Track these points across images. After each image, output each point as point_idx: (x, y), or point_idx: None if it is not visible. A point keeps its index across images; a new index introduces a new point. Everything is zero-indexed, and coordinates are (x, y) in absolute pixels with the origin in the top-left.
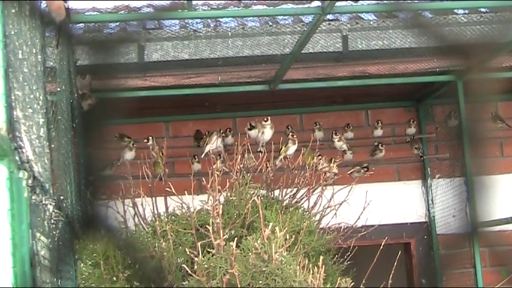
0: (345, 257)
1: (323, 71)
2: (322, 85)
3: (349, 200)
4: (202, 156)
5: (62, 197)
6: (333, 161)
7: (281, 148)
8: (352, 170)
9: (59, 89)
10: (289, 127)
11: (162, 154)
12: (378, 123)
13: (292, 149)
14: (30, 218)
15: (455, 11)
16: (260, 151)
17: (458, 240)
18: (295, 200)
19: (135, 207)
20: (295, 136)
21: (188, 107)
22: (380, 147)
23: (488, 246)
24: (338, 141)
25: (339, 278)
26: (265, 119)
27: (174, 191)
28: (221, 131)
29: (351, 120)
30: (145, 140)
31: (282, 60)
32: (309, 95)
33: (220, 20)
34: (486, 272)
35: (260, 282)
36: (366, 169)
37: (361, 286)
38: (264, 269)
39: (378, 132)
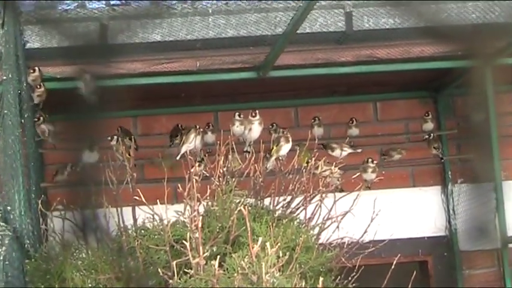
0: (350, 278)
1: (322, 55)
2: (321, 72)
3: (354, 210)
4: (178, 158)
5: (8, 208)
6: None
7: (272, 148)
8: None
9: (4, 78)
10: (273, 124)
11: (129, 155)
12: (352, 122)
13: (285, 148)
14: None
15: None
16: (247, 151)
17: (485, 258)
18: (289, 210)
19: (96, 219)
20: (288, 133)
21: (161, 98)
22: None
23: None
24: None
25: None
26: (253, 113)
27: (143, 199)
28: (199, 128)
29: (356, 114)
30: (109, 139)
31: (273, 42)
32: (306, 84)
33: None
34: None
35: None
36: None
37: None
38: None
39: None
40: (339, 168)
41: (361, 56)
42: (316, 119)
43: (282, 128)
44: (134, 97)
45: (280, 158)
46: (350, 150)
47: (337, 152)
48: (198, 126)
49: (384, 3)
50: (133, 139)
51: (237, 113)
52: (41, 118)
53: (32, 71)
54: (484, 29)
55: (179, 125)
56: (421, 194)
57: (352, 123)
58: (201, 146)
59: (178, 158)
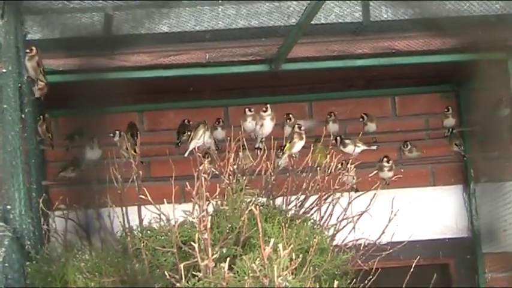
0: (366, 281)
1: (338, 47)
2: (337, 65)
3: (371, 209)
4: (186, 155)
5: (8, 207)
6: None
7: (285, 144)
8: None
9: (4, 70)
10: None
11: (135, 152)
12: (363, 118)
13: (298, 145)
14: None
15: None
16: (259, 148)
17: (509, 260)
18: (302, 210)
19: (100, 219)
20: (302, 129)
21: (168, 93)
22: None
23: None
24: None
25: None
26: (265, 108)
27: (150, 198)
28: (207, 123)
29: (374, 109)
30: (111, 135)
31: (286, 34)
32: (321, 77)
33: None
34: None
35: None
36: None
37: None
38: None
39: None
40: (354, 166)
41: (379, 48)
42: (332, 114)
43: (296, 123)
44: (140, 91)
45: (294, 155)
46: (364, 147)
47: (349, 148)
48: (206, 122)
49: None
50: (135, 135)
51: (248, 108)
52: (41, 117)
53: (29, 50)
54: (507, 20)
55: (185, 121)
56: (442, 194)
57: (363, 119)
58: (211, 143)
59: (186, 155)
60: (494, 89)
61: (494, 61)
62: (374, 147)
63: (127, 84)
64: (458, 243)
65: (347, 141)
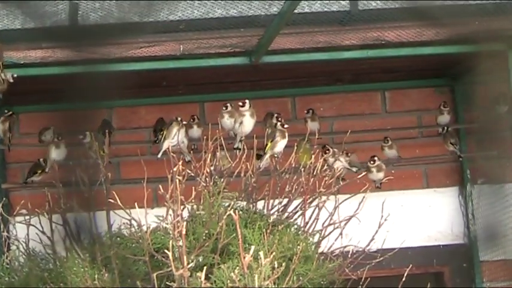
0: None
1: (324, 37)
2: (322, 57)
3: (360, 214)
4: (159, 156)
5: None
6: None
7: (266, 144)
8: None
9: None
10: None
11: (103, 152)
12: (308, 113)
13: (281, 144)
14: None
15: None
16: (238, 148)
17: (508, 269)
18: (285, 214)
19: (67, 225)
20: (285, 127)
21: (139, 88)
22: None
23: None
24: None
25: None
26: (242, 103)
27: (119, 202)
28: (181, 120)
29: (362, 105)
30: (81, 137)
31: (267, 24)
32: (305, 70)
33: None
34: None
35: None
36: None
37: None
38: None
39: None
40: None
41: (368, 39)
42: (311, 111)
43: (278, 119)
44: (109, 86)
45: (276, 155)
46: (345, 164)
47: (330, 161)
48: (180, 119)
49: None
50: (107, 134)
51: (225, 104)
52: (7, 113)
53: None
54: (507, 8)
55: (163, 118)
56: (436, 196)
57: (308, 113)
58: (186, 142)
59: (159, 156)
60: (493, 83)
61: (492, 53)
62: (354, 170)
63: (94, 78)
64: (454, 250)
65: (329, 155)
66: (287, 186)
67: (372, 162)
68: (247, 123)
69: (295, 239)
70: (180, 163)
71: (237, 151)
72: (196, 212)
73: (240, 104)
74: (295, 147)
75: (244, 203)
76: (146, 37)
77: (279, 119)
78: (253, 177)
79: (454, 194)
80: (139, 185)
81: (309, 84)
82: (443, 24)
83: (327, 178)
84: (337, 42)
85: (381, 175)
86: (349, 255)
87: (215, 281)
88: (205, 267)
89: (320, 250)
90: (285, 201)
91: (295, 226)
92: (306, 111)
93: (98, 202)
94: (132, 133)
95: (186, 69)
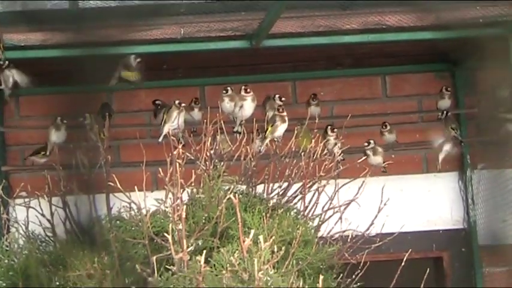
0: (354, 276)
1: (325, 22)
2: (323, 41)
3: (360, 199)
4: (160, 139)
5: None
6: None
7: (267, 128)
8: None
9: None
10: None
11: (103, 135)
12: (313, 99)
13: (281, 128)
14: None
15: None
16: (238, 131)
17: (508, 254)
18: (285, 198)
19: (67, 207)
20: (284, 111)
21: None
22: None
23: None
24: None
25: None
26: (246, 88)
27: (119, 185)
28: (180, 103)
29: (363, 89)
30: (81, 119)
31: (267, 7)
32: (305, 55)
33: None
34: None
35: None
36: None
37: None
38: None
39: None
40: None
41: (368, 23)
42: (314, 97)
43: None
44: (109, 69)
45: (276, 139)
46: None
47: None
48: (179, 102)
49: None
50: (107, 117)
51: (225, 88)
52: (7, 62)
53: None
54: None
55: (160, 101)
56: (436, 181)
57: (314, 100)
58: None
59: (160, 140)
60: (494, 68)
61: (493, 38)
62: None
63: (94, 61)
64: (453, 235)
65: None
66: (287, 170)
67: (366, 144)
68: (248, 107)
69: (295, 223)
70: (180, 146)
71: (237, 135)
72: (196, 196)
73: (246, 90)
74: (295, 132)
75: (244, 186)
76: (146, 20)
77: (281, 99)
78: (253, 161)
79: (453, 179)
80: (139, 168)
81: (310, 68)
82: (444, 10)
83: (326, 162)
84: (338, 27)
85: (378, 159)
86: (349, 240)
87: (214, 265)
88: (204, 251)
89: (319, 234)
90: (285, 185)
91: (295, 210)
92: (311, 98)
93: (98, 185)
94: (132, 116)
95: (187, 53)
